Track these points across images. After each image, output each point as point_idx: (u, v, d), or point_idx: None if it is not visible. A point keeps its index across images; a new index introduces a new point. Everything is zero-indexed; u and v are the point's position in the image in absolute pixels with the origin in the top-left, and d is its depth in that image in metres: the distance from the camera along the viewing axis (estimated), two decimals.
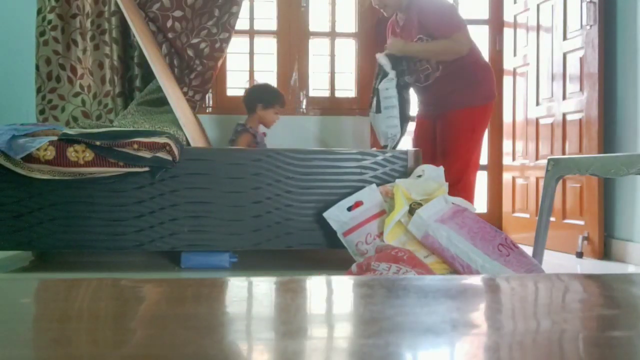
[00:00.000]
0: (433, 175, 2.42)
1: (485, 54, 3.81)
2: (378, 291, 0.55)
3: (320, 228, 2.49)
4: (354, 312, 0.50)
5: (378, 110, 2.72)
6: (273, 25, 3.64)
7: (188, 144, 2.58)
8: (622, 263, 2.82)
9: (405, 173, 2.56)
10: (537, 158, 3.41)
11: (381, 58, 2.73)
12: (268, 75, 3.69)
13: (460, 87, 2.76)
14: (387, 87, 2.66)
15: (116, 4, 3.13)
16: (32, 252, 2.77)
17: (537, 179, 3.35)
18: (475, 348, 0.41)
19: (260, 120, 3.18)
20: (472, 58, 2.77)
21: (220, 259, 2.49)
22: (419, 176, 2.42)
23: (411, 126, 3.01)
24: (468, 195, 2.69)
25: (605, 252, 2.93)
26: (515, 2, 3.62)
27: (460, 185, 2.63)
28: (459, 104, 2.75)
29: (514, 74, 3.64)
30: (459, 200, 2.31)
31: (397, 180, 2.35)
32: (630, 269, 2.71)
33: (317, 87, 3.69)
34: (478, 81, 2.78)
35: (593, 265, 2.78)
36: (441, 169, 2.45)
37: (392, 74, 2.69)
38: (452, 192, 2.38)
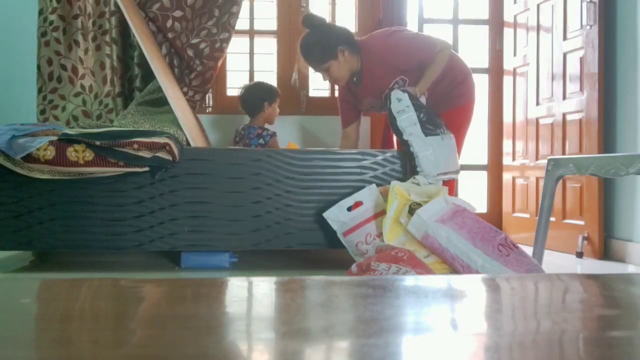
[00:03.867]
0: None
1: (485, 54, 3.82)
2: (378, 291, 0.55)
3: (320, 228, 2.49)
4: (354, 312, 0.50)
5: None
6: (273, 25, 3.64)
7: (188, 144, 2.58)
8: (622, 263, 2.82)
9: (406, 173, 2.56)
10: (537, 158, 3.41)
11: (402, 95, 2.52)
12: (268, 75, 3.69)
13: (444, 93, 2.80)
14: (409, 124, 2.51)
15: (116, 4, 3.13)
16: (32, 252, 2.77)
17: (537, 179, 3.35)
18: (475, 348, 0.41)
19: (267, 118, 3.16)
20: (450, 64, 2.77)
21: (220, 259, 2.49)
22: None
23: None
24: (451, 192, 2.72)
25: (605, 252, 2.93)
26: (515, 2, 3.62)
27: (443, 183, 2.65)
28: (445, 108, 2.78)
29: (514, 74, 3.64)
30: (459, 201, 2.31)
31: (393, 182, 2.35)
32: (630, 269, 2.71)
33: (317, 87, 3.69)
34: (458, 83, 2.81)
35: (593, 265, 2.78)
36: None
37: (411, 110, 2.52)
38: None
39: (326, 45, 2.65)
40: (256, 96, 3.14)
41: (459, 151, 2.86)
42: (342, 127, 3.00)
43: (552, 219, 2.90)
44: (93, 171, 2.32)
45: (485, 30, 3.82)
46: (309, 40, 2.69)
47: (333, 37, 2.67)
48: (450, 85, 2.80)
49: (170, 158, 2.36)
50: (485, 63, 3.83)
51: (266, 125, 3.18)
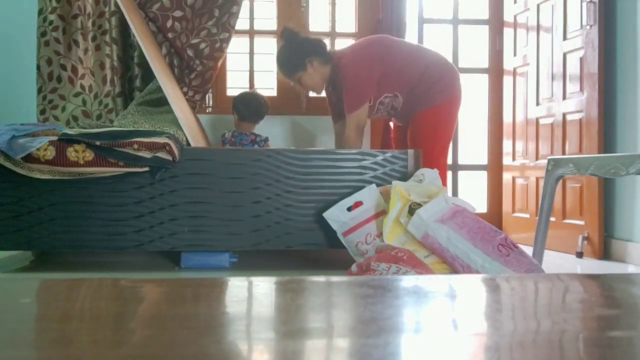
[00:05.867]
0: (432, 177, 2.41)
1: (485, 54, 3.82)
2: (378, 291, 0.55)
3: (320, 228, 2.49)
4: (354, 312, 0.50)
5: None
6: (273, 25, 3.64)
7: (188, 144, 2.58)
8: (622, 263, 2.82)
9: (405, 173, 2.56)
10: (537, 158, 3.41)
11: None
12: (268, 75, 3.69)
13: (423, 93, 2.80)
14: None
15: (116, 4, 3.13)
16: (32, 252, 2.77)
17: (537, 179, 3.35)
18: (475, 348, 0.41)
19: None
20: (423, 66, 2.79)
21: (220, 259, 2.49)
22: (420, 180, 2.41)
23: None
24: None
25: (605, 252, 2.93)
26: (515, 2, 3.62)
27: None
28: (423, 106, 2.80)
29: (514, 74, 3.64)
30: (459, 200, 2.31)
31: (394, 182, 2.35)
32: (630, 269, 2.71)
33: None
34: (435, 82, 2.79)
35: (593, 265, 2.78)
36: (436, 171, 2.45)
37: None
38: None
39: (294, 58, 2.82)
40: (264, 108, 3.19)
41: (442, 151, 2.84)
42: (333, 123, 3.10)
43: (552, 219, 2.90)
44: (93, 171, 2.32)
45: (485, 30, 3.82)
46: (280, 55, 2.88)
47: (301, 50, 2.81)
48: (425, 86, 2.80)
49: (170, 158, 2.36)
50: (485, 63, 3.83)
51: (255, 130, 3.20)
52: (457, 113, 2.90)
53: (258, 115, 3.18)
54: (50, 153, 2.28)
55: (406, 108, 2.86)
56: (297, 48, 2.82)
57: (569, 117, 3.15)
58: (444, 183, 2.84)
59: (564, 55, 3.18)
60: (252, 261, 2.74)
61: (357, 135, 2.79)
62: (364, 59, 2.78)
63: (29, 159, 2.27)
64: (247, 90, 3.35)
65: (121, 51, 3.22)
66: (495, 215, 3.75)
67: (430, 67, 2.81)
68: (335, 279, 0.61)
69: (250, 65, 3.64)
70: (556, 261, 2.84)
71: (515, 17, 3.62)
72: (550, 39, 3.29)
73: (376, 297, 0.53)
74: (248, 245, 2.48)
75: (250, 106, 3.14)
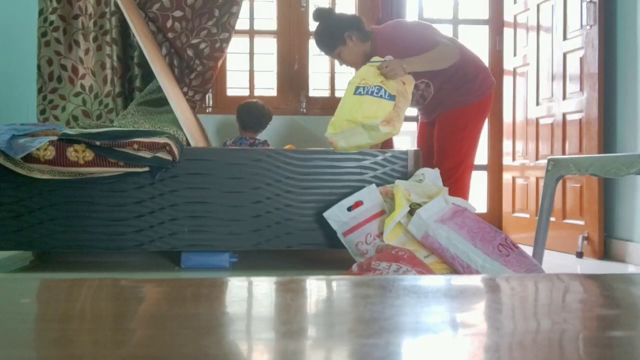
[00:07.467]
0: (433, 177, 2.42)
1: (485, 54, 3.82)
2: (378, 291, 0.55)
3: (320, 228, 2.49)
4: (354, 312, 0.50)
5: None
6: (273, 25, 3.64)
7: (188, 144, 2.58)
8: (622, 263, 2.82)
9: (406, 173, 2.56)
10: (537, 158, 3.41)
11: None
12: (268, 75, 3.69)
13: (452, 91, 2.74)
14: None
15: (116, 4, 3.13)
16: (32, 252, 2.77)
17: (537, 179, 3.35)
18: (475, 348, 0.41)
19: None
20: (458, 62, 2.70)
21: (220, 259, 2.49)
22: (420, 180, 2.41)
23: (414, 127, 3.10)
24: (461, 193, 2.67)
25: (605, 252, 2.93)
26: (515, 2, 3.62)
27: (451, 182, 2.61)
28: (451, 105, 2.75)
29: (514, 74, 3.64)
30: (459, 201, 2.31)
31: (397, 182, 2.35)
32: (630, 269, 2.71)
33: (317, 87, 3.69)
34: (468, 81, 2.74)
35: (593, 265, 2.78)
36: (437, 171, 2.44)
37: None
38: None
39: (333, 33, 2.74)
40: (266, 119, 3.20)
41: (469, 152, 2.79)
42: None
43: (552, 219, 2.90)
44: (93, 171, 2.32)
45: (485, 30, 3.82)
46: (318, 31, 2.79)
47: (339, 24, 2.74)
48: (457, 84, 2.73)
49: (170, 158, 2.36)
50: (485, 63, 3.82)
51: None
52: (485, 117, 2.83)
53: (259, 125, 3.20)
54: (50, 153, 2.28)
55: (435, 101, 2.78)
56: (334, 23, 2.76)
57: (569, 117, 3.15)
58: (467, 184, 2.80)
59: (564, 55, 3.18)
60: (252, 261, 2.74)
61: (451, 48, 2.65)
62: (406, 21, 2.86)
63: (29, 159, 2.27)
64: (252, 100, 3.33)
65: (121, 51, 3.22)
66: (495, 215, 3.75)
67: (467, 65, 2.73)
68: (335, 279, 0.61)
69: (250, 65, 3.64)
70: (556, 261, 2.83)
71: (515, 17, 3.62)
72: (550, 39, 3.29)
73: (376, 297, 0.53)
74: (248, 245, 2.48)
75: (251, 116, 3.18)
